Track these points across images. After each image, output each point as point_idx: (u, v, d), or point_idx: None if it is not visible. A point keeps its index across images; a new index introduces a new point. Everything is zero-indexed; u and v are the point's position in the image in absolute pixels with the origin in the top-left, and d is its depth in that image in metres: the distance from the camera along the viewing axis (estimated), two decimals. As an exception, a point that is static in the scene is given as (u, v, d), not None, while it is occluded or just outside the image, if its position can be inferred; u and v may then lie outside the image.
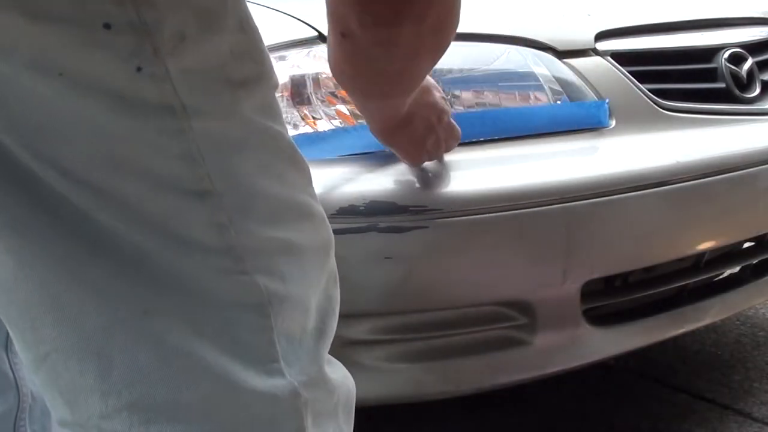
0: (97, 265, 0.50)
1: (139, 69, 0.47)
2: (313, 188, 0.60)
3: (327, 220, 0.61)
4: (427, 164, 1.09)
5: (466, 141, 1.13)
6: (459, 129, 1.03)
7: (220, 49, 0.51)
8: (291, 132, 1.07)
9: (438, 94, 0.97)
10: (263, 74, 0.55)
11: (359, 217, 1.04)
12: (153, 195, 0.50)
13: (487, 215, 1.06)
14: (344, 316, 1.09)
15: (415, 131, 0.96)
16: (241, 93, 0.52)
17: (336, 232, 1.04)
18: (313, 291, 0.59)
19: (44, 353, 0.52)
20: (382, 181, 1.06)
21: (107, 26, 0.46)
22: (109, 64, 0.47)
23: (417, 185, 1.07)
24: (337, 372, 0.62)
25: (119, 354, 0.51)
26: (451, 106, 1.16)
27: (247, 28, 0.54)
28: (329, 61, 0.73)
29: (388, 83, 0.75)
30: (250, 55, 0.54)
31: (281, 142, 0.56)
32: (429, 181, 1.08)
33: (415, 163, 1.05)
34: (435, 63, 0.74)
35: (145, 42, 0.47)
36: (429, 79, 0.95)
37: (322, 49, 1.12)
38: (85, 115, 0.47)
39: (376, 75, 0.72)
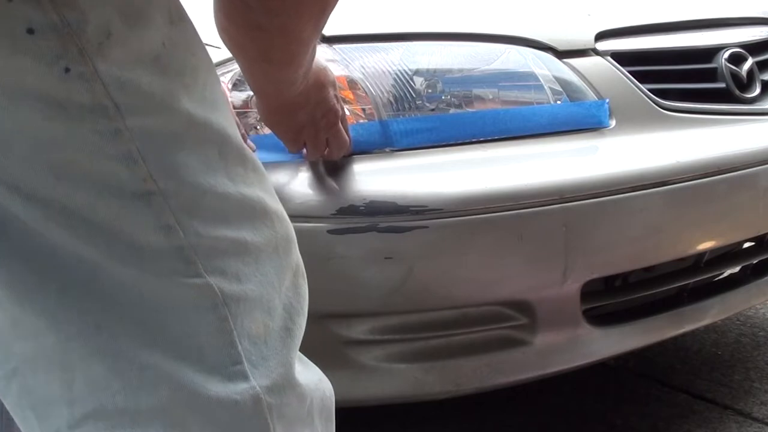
0: (46, 287, 0.50)
1: (67, 70, 0.46)
2: (268, 183, 0.58)
3: (286, 216, 0.60)
4: (428, 164, 1.09)
5: (466, 141, 1.14)
6: (347, 140, 1.01)
7: (151, 44, 0.50)
8: (291, 132, 1.07)
9: (332, 92, 0.94)
10: (200, 66, 0.54)
11: (359, 217, 1.04)
12: (98, 202, 0.48)
13: (487, 215, 1.06)
14: (344, 316, 1.10)
15: (295, 120, 0.94)
16: (178, 86, 0.51)
17: (336, 232, 1.05)
18: (275, 289, 0.57)
19: (12, 368, 0.52)
20: (382, 181, 1.07)
21: (30, 31, 0.45)
22: (37, 70, 0.46)
23: (417, 185, 1.07)
24: (311, 375, 0.61)
25: (79, 365, 0.51)
26: (450, 106, 1.16)
27: (178, 21, 0.53)
28: (215, 20, 0.72)
29: (269, 42, 0.72)
30: (185, 47, 0.52)
31: (226, 136, 0.54)
32: (429, 181, 1.08)
33: (291, 152, 1.02)
34: (318, 28, 0.71)
35: (69, 43, 0.46)
36: (328, 74, 0.93)
37: (322, 49, 1.12)
38: (22, 125, 0.46)
39: (255, 30, 0.70)
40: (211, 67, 0.56)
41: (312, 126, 0.96)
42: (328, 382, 0.64)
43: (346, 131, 1.02)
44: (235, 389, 0.52)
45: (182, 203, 0.51)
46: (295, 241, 0.61)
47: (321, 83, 0.91)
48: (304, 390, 0.58)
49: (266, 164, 1.07)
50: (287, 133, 0.97)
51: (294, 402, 0.57)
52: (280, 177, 1.06)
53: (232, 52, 0.79)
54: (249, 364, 0.53)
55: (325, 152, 1.02)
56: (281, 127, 0.96)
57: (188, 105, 0.51)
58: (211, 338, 0.52)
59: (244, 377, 0.53)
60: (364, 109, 1.11)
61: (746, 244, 1.43)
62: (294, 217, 1.04)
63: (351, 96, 1.12)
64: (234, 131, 0.55)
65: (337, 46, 1.13)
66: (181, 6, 0.54)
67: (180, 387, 0.51)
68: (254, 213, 0.55)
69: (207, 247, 0.52)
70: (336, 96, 0.95)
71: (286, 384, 0.56)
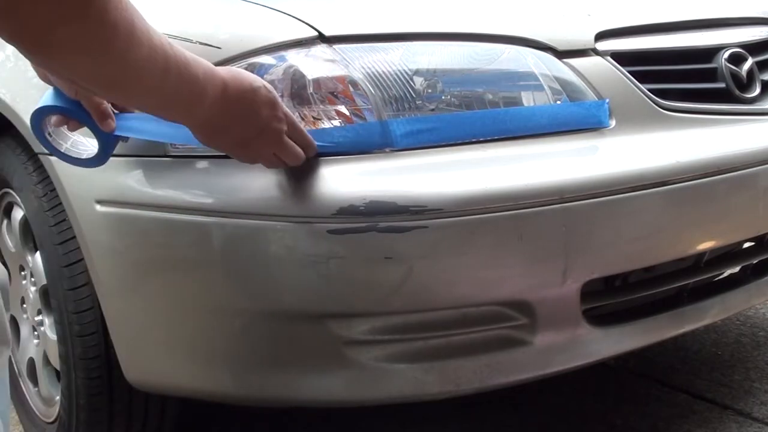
0: None
1: None
2: None
3: None
4: (428, 164, 1.09)
5: (467, 141, 1.14)
6: (300, 152, 1.01)
7: None
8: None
9: (266, 112, 0.94)
10: None
11: (359, 217, 1.04)
12: None
13: (487, 215, 1.06)
14: (344, 316, 1.10)
15: (228, 140, 0.95)
16: None
17: (336, 232, 1.05)
18: None
19: None
20: (382, 181, 1.07)
21: None
22: None
23: (417, 185, 1.07)
24: None
25: None
26: (450, 106, 1.16)
27: None
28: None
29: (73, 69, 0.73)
30: None
31: None
32: (429, 181, 1.08)
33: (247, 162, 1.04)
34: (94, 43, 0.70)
35: None
36: (259, 95, 0.93)
37: (322, 49, 1.12)
38: None
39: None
40: None
41: (251, 145, 0.97)
42: None
43: (303, 137, 1.02)
44: None
45: None
46: None
47: (245, 105, 0.92)
48: None
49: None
50: (229, 151, 0.99)
51: None
52: (279, 177, 1.06)
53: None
54: None
55: (283, 162, 1.02)
56: (219, 145, 0.98)
57: None
58: None
59: None
60: (364, 109, 1.11)
61: (746, 244, 1.43)
62: (294, 217, 1.05)
63: (351, 96, 1.12)
64: None
65: (337, 46, 1.13)
66: None
67: None
68: None
69: None
70: (275, 115, 0.95)
71: None
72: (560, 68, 1.24)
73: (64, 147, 1.07)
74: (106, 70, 0.75)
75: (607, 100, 1.23)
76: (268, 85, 0.96)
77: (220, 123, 0.91)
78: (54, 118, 1.03)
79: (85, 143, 1.08)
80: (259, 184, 1.07)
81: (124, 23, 0.72)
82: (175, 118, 0.91)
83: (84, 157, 1.07)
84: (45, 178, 1.33)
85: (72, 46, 0.69)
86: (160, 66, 0.79)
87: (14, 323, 1.65)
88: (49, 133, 1.05)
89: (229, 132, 0.94)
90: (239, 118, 0.93)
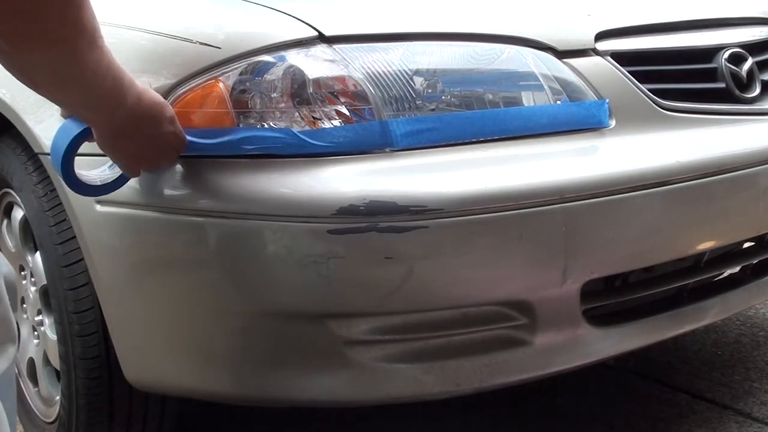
0: None
1: None
2: None
3: None
4: (428, 164, 1.09)
5: (466, 141, 1.14)
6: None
7: None
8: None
9: (169, 128, 1.03)
10: None
11: (359, 217, 1.04)
12: None
13: (487, 215, 1.06)
14: (344, 316, 1.10)
15: (127, 150, 1.04)
16: None
17: (336, 232, 1.05)
18: None
19: None
20: (382, 181, 1.06)
21: None
22: None
23: (417, 185, 1.07)
24: None
25: None
26: (450, 106, 1.16)
27: None
28: None
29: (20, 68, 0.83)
30: None
31: None
32: (429, 181, 1.08)
33: (130, 174, 1.10)
34: (58, 50, 0.81)
35: None
36: (165, 110, 1.02)
37: (322, 49, 1.12)
38: None
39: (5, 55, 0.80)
40: None
41: (147, 159, 1.06)
42: None
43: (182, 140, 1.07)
44: None
45: None
46: None
47: (154, 117, 1.01)
48: None
49: (267, 164, 1.08)
50: (122, 160, 1.06)
51: None
52: (280, 177, 1.06)
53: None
54: None
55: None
56: (115, 154, 1.05)
57: None
58: None
59: None
60: (364, 109, 1.11)
61: (746, 244, 1.43)
62: (294, 217, 1.05)
63: (351, 96, 1.12)
64: None
65: (337, 46, 1.13)
66: None
67: None
68: None
69: None
70: (174, 132, 1.04)
71: None
72: (560, 68, 1.24)
73: (99, 179, 1.10)
74: (67, 66, 0.84)
75: (607, 100, 1.23)
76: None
77: (129, 128, 0.99)
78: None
79: (96, 171, 1.11)
80: (259, 184, 1.07)
81: (90, 25, 0.82)
82: (94, 118, 0.98)
83: (114, 179, 1.10)
84: (45, 178, 1.33)
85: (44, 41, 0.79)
86: (104, 65, 0.88)
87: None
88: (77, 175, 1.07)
89: (132, 139, 1.01)
90: (145, 132, 1.01)
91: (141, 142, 1.02)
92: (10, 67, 0.83)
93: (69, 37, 0.81)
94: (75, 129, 1.02)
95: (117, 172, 1.09)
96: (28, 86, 0.87)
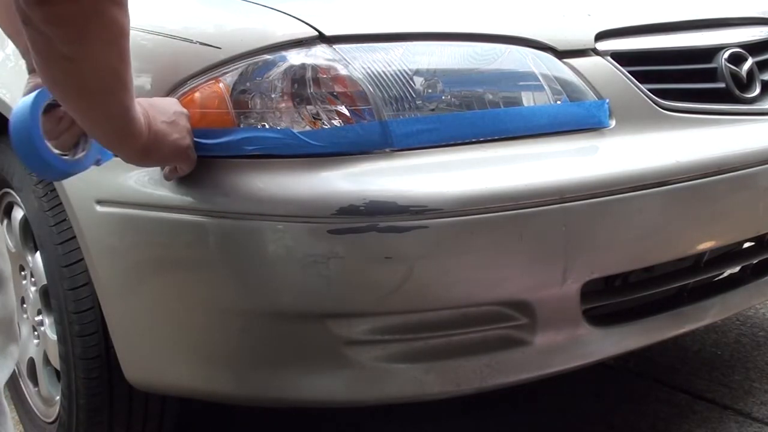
0: None
1: None
2: None
3: None
4: (428, 164, 1.09)
5: (466, 141, 1.13)
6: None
7: None
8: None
9: (176, 136, 1.03)
10: None
11: (359, 217, 1.04)
12: None
13: (487, 215, 1.06)
14: (344, 316, 1.10)
15: (159, 156, 1.03)
16: None
17: (336, 232, 1.05)
18: None
19: None
20: (382, 181, 1.07)
21: None
22: None
23: (417, 185, 1.07)
24: None
25: None
26: (450, 106, 1.16)
27: None
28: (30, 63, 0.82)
29: (73, 72, 0.80)
30: None
31: None
32: (429, 181, 1.08)
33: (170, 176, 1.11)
34: (115, 53, 0.81)
35: None
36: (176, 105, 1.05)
37: (322, 49, 1.12)
38: None
39: (57, 61, 0.78)
40: None
41: (179, 156, 1.06)
42: None
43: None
44: None
45: None
46: None
47: (174, 118, 1.03)
48: None
49: (267, 164, 1.08)
50: (161, 165, 1.09)
51: None
52: (280, 177, 1.06)
53: (56, 95, 0.87)
54: None
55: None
56: (151, 163, 1.07)
57: None
58: None
59: None
60: (364, 109, 1.11)
61: (746, 244, 1.43)
62: (294, 217, 1.05)
63: (351, 96, 1.12)
64: None
65: (337, 46, 1.13)
66: None
67: None
68: None
69: None
70: (187, 128, 1.05)
71: None
72: (560, 68, 1.24)
73: (78, 155, 1.03)
74: (107, 76, 0.83)
75: (607, 100, 1.23)
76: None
77: (156, 141, 0.99)
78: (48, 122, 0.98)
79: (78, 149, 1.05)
80: (259, 184, 1.07)
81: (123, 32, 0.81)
82: (117, 145, 0.98)
83: (89, 159, 1.04)
84: (45, 178, 1.33)
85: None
86: (128, 87, 0.87)
87: (14, 323, 1.64)
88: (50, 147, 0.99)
89: (156, 152, 1.01)
90: (169, 135, 1.02)
91: (167, 145, 1.03)
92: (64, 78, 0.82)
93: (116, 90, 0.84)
94: (31, 98, 0.94)
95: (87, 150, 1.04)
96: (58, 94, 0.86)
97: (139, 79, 1.16)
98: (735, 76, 1.40)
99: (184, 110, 1.07)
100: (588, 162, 1.19)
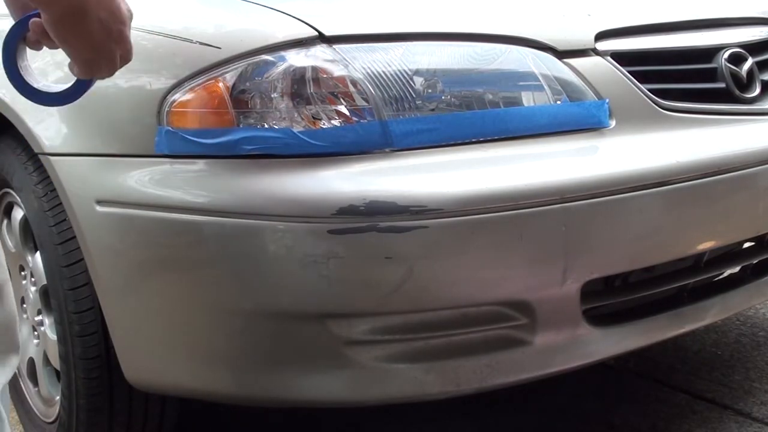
0: None
1: None
2: None
3: None
4: (428, 164, 1.09)
5: (466, 141, 1.14)
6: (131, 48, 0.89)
7: None
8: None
9: (124, 6, 0.85)
10: None
11: (359, 217, 1.04)
12: None
13: (487, 215, 1.06)
14: (344, 316, 1.10)
15: (87, 31, 0.83)
16: None
17: (336, 232, 1.05)
18: None
19: None
20: (382, 181, 1.07)
21: None
22: None
23: (417, 185, 1.07)
24: None
25: None
26: (450, 106, 1.16)
27: None
28: None
29: None
30: None
31: None
32: (429, 181, 1.08)
33: (83, 76, 0.89)
34: None
35: None
36: None
37: (322, 49, 1.12)
38: None
39: None
40: None
41: (108, 40, 0.85)
42: None
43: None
44: None
45: None
46: None
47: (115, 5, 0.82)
48: None
49: (267, 164, 1.08)
50: (83, 52, 0.86)
51: None
52: (280, 177, 1.06)
53: None
54: None
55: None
56: (75, 42, 0.85)
57: None
58: None
59: None
60: (364, 109, 1.11)
61: (746, 244, 1.43)
62: (294, 217, 1.05)
63: (351, 96, 1.12)
64: None
65: (337, 46, 1.13)
66: None
67: None
68: None
69: None
70: (129, 10, 0.86)
71: None
72: (560, 68, 1.24)
73: (40, 84, 0.91)
74: None
75: (607, 100, 1.23)
76: None
77: (83, 5, 0.81)
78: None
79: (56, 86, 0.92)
80: (259, 184, 1.07)
81: None
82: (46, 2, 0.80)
83: (57, 91, 0.91)
84: (45, 178, 1.33)
85: None
86: None
87: (14, 323, 1.64)
88: (22, 67, 0.88)
89: (89, 19, 0.83)
90: (105, 2, 0.83)
91: (99, 18, 0.83)
92: None
93: None
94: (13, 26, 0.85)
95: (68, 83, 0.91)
96: None
97: (139, 79, 1.16)
98: (735, 76, 1.40)
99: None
100: (588, 162, 1.19)
